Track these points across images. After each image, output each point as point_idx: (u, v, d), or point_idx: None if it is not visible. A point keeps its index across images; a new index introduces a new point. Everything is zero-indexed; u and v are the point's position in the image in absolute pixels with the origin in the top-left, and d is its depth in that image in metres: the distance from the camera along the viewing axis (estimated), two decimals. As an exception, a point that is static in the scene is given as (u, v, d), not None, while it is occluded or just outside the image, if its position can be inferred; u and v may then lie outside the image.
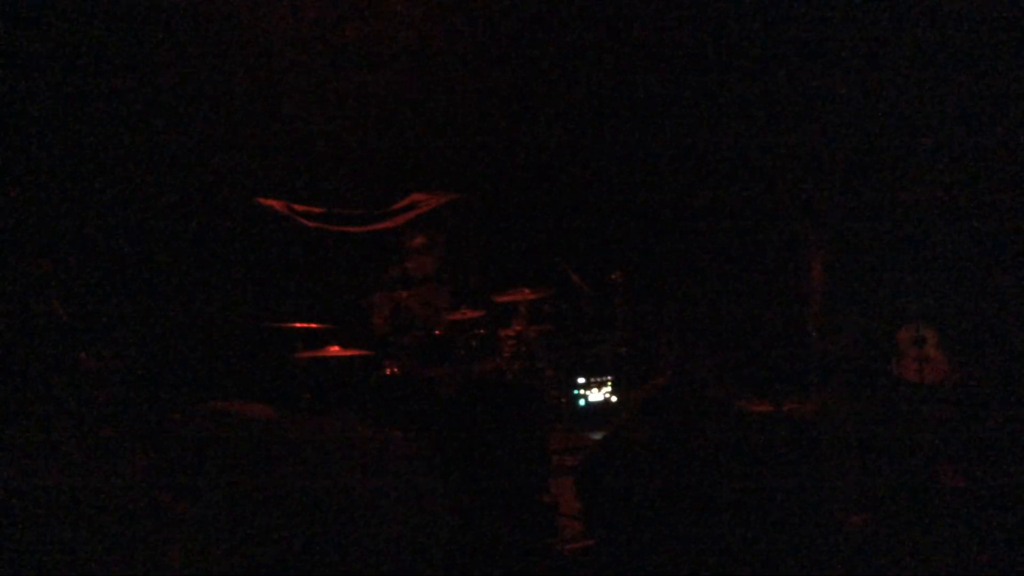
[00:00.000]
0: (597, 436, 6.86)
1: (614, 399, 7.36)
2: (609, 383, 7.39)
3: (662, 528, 2.59)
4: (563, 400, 7.26)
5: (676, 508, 2.61)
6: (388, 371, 6.41)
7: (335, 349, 5.94)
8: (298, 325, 6.33)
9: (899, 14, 8.05)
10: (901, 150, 8.27)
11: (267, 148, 7.89)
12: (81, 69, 7.11)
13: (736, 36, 8.80)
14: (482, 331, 7.09)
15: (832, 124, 8.70)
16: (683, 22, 8.79)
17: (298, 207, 7.76)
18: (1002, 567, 3.05)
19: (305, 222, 7.74)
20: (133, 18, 7.30)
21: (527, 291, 7.23)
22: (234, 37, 7.72)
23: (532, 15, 8.59)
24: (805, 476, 2.65)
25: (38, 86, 6.99)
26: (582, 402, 7.34)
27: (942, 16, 7.83)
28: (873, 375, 7.53)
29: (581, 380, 7.35)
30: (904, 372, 7.27)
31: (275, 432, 2.29)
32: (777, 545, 2.40)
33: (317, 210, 7.84)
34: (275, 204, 7.65)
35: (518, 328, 7.27)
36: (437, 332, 6.95)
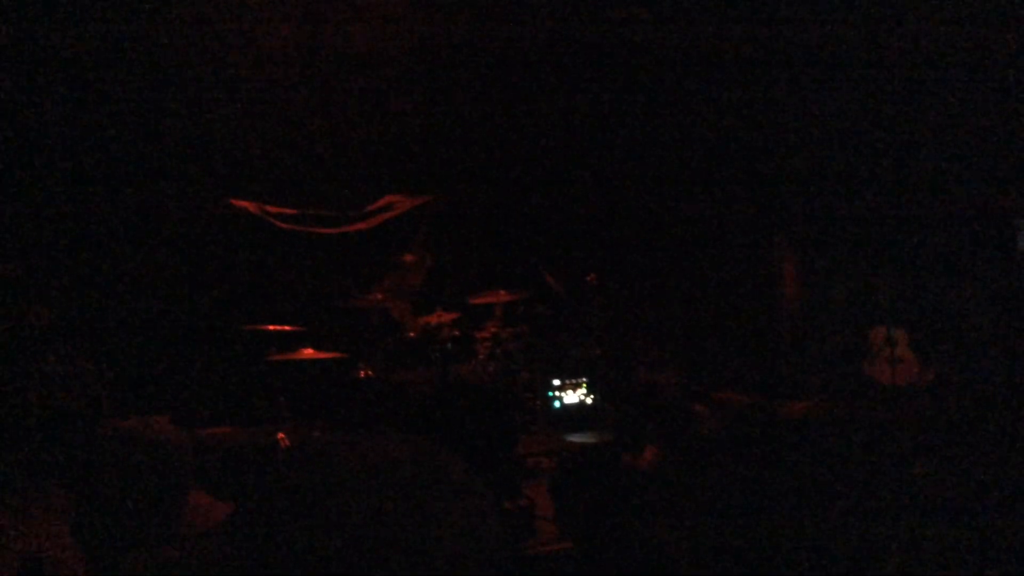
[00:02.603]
0: (573, 438, 6.87)
1: (589, 401, 7.36)
2: (584, 385, 7.39)
3: (639, 530, 2.59)
4: (538, 402, 7.25)
5: (655, 509, 2.61)
6: (362, 374, 6.37)
7: (309, 352, 5.89)
8: (271, 327, 6.28)
9: (864, 27, 8.13)
10: (871, 155, 8.35)
11: (240, 148, 7.82)
12: (52, 77, 7.02)
13: (709, 46, 8.85)
14: (457, 333, 7.07)
15: (804, 129, 8.77)
16: (659, 32, 8.83)
17: (271, 208, 7.70)
18: (980, 567, 3.08)
19: (278, 223, 7.69)
20: (101, 20, 7.21)
21: (502, 293, 7.22)
22: (206, 38, 7.64)
23: (510, 20, 8.58)
24: (787, 475, 2.66)
25: (8, 93, 6.89)
26: (557, 404, 7.33)
27: (905, 28, 7.92)
28: (845, 376, 7.60)
29: (556, 382, 7.34)
30: (876, 373, 7.33)
31: (182, 455, 2.24)
32: (757, 545, 2.41)
33: (290, 211, 7.79)
34: (248, 205, 7.59)
35: (493, 330, 7.26)
36: (412, 335, 6.92)
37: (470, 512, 1.52)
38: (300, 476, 1.43)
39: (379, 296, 6.83)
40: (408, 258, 7.28)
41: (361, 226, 7.96)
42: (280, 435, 5.60)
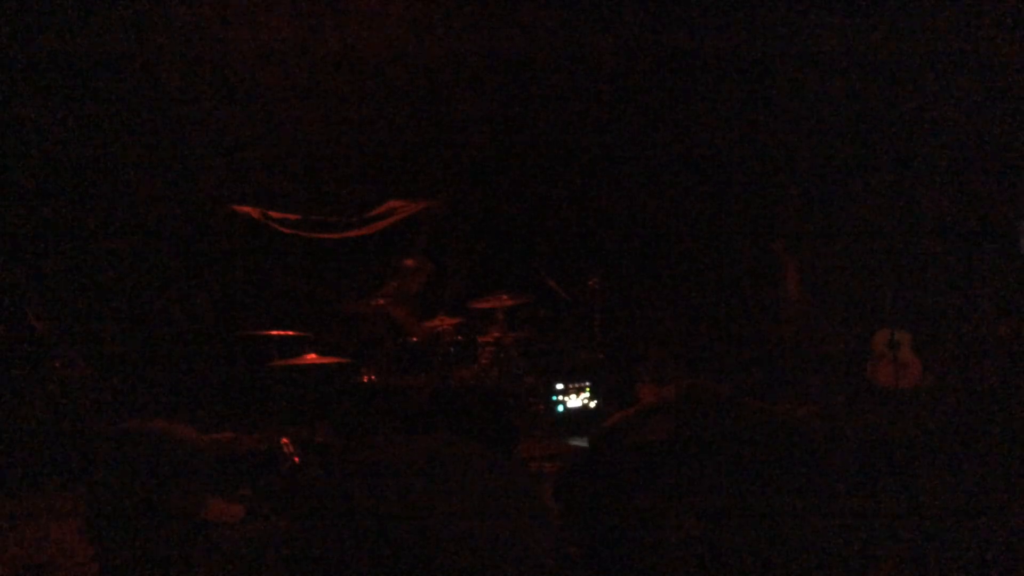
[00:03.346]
0: (576, 442, 6.86)
1: (592, 405, 7.35)
2: (587, 389, 7.38)
3: (642, 535, 2.58)
4: (541, 406, 7.24)
5: (657, 515, 2.60)
6: (365, 379, 6.37)
7: (311, 357, 5.89)
8: (274, 333, 6.28)
9: (865, 29, 8.14)
10: (872, 155, 8.35)
11: (242, 154, 7.82)
12: (53, 79, 7.03)
13: (710, 50, 8.86)
14: (460, 338, 7.07)
15: (805, 132, 8.77)
16: (659, 37, 8.84)
17: (273, 214, 7.70)
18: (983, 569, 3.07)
19: (280, 229, 7.69)
20: (105, 24, 7.23)
21: (505, 297, 7.22)
22: (208, 43, 7.66)
23: (512, 25, 8.59)
24: (792, 481, 2.65)
25: (7, 96, 6.90)
26: (560, 408, 7.32)
27: (906, 29, 7.93)
28: (848, 379, 7.59)
29: (559, 386, 7.33)
30: (879, 376, 7.32)
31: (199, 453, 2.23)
32: (759, 548, 2.40)
33: (293, 217, 7.79)
34: (250, 211, 7.60)
35: (496, 335, 7.25)
36: (414, 339, 6.92)
37: (531, 511, 1.53)
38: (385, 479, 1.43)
39: (380, 301, 6.83)
40: (408, 263, 7.28)
41: (363, 231, 7.97)
42: (284, 440, 5.60)
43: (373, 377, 6.40)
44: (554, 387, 7.32)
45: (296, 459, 5.48)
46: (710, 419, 2.80)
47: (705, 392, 3.01)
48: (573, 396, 7.35)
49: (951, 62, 7.80)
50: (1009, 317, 7.25)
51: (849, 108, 8.39)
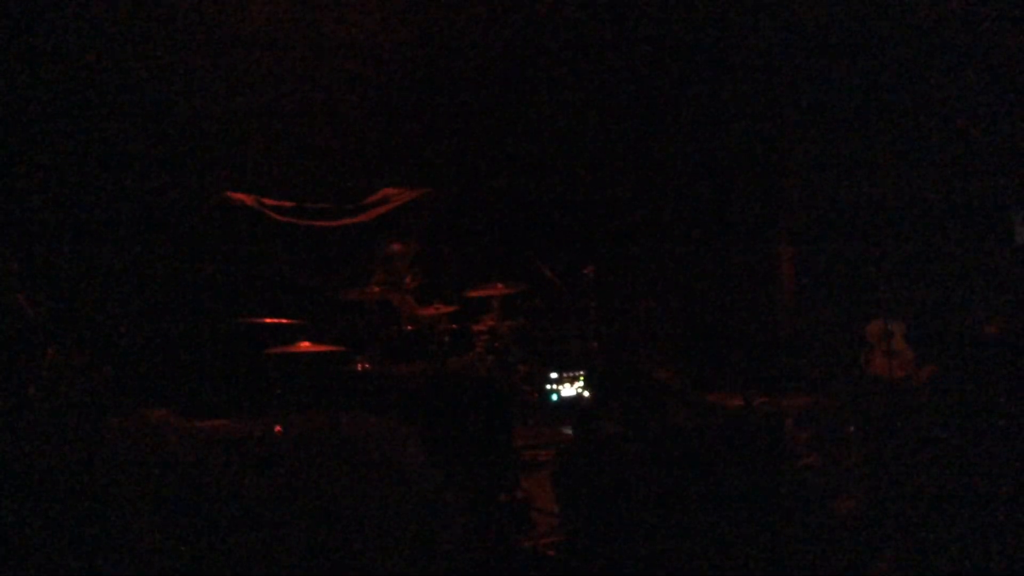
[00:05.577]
0: (570, 431, 6.87)
1: (586, 394, 7.36)
2: (581, 378, 7.39)
3: (636, 521, 2.59)
4: (535, 395, 7.25)
5: (651, 502, 2.61)
6: (360, 367, 6.36)
7: (306, 345, 5.87)
8: (268, 320, 6.26)
9: (863, 20, 8.14)
10: (868, 146, 8.35)
11: (237, 142, 7.80)
12: (47, 63, 6.99)
13: (702, 35, 8.84)
14: (454, 326, 7.06)
15: (799, 120, 8.76)
16: (652, 23, 8.82)
17: (268, 201, 7.68)
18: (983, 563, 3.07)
19: (275, 216, 7.67)
20: (98, 9, 7.19)
21: (500, 286, 7.22)
22: (203, 31, 7.62)
23: (509, 13, 8.57)
24: (775, 470, 2.66)
25: (4, 85, 6.86)
26: (555, 397, 7.33)
27: (904, 21, 7.93)
28: (844, 369, 7.61)
29: (553, 375, 7.34)
30: (873, 366, 7.34)
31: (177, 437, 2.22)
32: (750, 538, 2.41)
33: (287, 204, 7.77)
34: (245, 198, 7.57)
35: (490, 323, 7.26)
36: (409, 327, 6.92)
37: (425, 484, 1.53)
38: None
39: (376, 289, 6.82)
40: (396, 247, 7.26)
41: (358, 219, 7.95)
42: (277, 427, 5.59)
43: (368, 365, 6.39)
44: (548, 376, 7.33)
45: (290, 447, 5.47)
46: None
47: (628, 370, 3.02)
48: (567, 385, 7.36)
49: (949, 53, 7.79)
50: (1004, 307, 7.27)
51: (846, 100, 8.38)
